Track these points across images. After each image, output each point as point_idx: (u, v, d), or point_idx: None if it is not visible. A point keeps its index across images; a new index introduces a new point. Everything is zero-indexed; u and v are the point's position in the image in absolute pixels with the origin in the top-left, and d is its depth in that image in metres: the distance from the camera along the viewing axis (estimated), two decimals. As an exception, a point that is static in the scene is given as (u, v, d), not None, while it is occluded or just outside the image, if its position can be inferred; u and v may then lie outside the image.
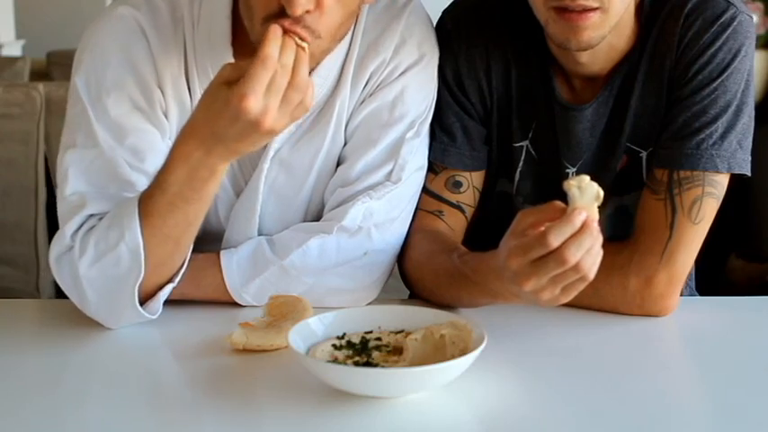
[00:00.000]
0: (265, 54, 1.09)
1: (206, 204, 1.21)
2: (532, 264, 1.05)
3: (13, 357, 1.21)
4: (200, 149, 1.15)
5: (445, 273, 1.30)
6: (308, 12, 1.16)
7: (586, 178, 1.05)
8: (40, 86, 2.33)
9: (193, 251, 1.28)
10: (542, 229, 1.05)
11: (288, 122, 1.13)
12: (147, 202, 1.19)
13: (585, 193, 1.04)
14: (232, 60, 1.30)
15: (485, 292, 1.22)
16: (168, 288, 1.25)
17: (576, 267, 1.04)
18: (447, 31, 1.42)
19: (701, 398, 1.12)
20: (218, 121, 1.12)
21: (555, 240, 1.03)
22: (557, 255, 1.03)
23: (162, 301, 1.25)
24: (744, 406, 1.05)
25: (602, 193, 1.04)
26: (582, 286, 1.07)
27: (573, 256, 1.03)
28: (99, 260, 1.21)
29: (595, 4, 1.21)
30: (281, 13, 1.17)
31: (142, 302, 1.23)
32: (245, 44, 1.27)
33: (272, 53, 1.10)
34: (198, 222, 1.22)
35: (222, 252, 1.32)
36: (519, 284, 1.07)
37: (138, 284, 1.20)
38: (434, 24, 1.44)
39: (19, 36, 6.10)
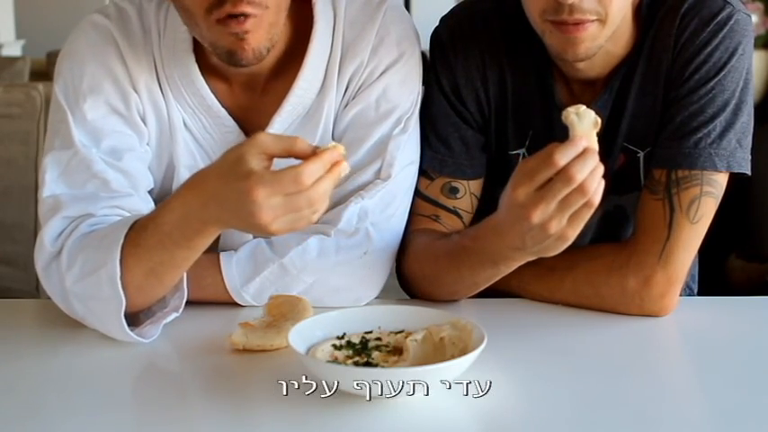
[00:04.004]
0: (307, 173, 1.04)
1: (194, 254, 1.17)
2: (539, 190, 1.06)
3: (12, 357, 1.21)
4: (198, 201, 1.11)
5: (445, 254, 1.30)
6: None
7: (583, 106, 1.06)
8: (40, 86, 2.32)
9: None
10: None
11: (286, 231, 1.07)
12: (139, 232, 1.17)
13: (584, 120, 1.06)
14: (197, 70, 1.33)
15: (485, 261, 1.22)
16: (170, 316, 1.22)
17: (581, 188, 1.04)
18: (442, 43, 1.42)
19: (700, 398, 1.12)
20: (226, 186, 1.07)
21: (561, 159, 1.04)
22: (562, 174, 1.04)
23: (159, 328, 1.22)
24: (744, 406, 1.05)
25: (599, 120, 1.06)
26: (587, 215, 1.07)
27: (578, 173, 1.04)
28: (83, 279, 1.20)
29: (593, 17, 1.22)
30: (219, 1, 1.19)
31: (137, 315, 1.22)
32: (207, 54, 1.30)
33: (312, 176, 1.04)
34: (185, 267, 1.20)
35: (222, 253, 1.32)
36: (527, 217, 1.07)
37: (122, 312, 1.18)
38: (430, 36, 1.43)
39: (19, 36, 6.11)
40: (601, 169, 1.05)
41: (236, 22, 1.21)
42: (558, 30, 1.23)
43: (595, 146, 1.06)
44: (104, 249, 1.18)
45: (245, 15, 1.20)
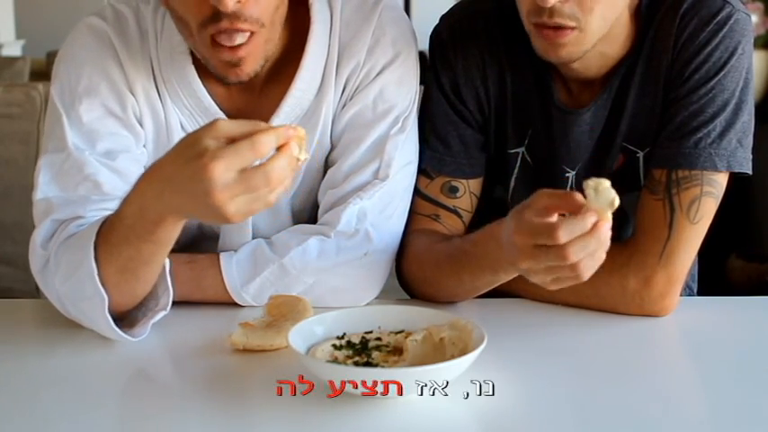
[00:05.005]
0: (262, 140, 0.99)
1: (161, 248, 1.13)
2: (535, 247, 1.06)
3: (12, 357, 1.21)
4: (153, 190, 1.07)
5: (446, 257, 1.30)
6: (239, 2, 1.18)
7: (605, 182, 1.04)
8: (40, 86, 2.32)
9: (194, 251, 1.28)
10: (554, 218, 1.05)
11: (242, 214, 1.02)
12: (108, 228, 1.15)
13: (600, 197, 1.03)
14: (194, 73, 1.33)
15: (485, 266, 1.22)
16: (158, 315, 1.20)
17: (573, 266, 1.04)
18: (442, 42, 1.42)
19: (700, 398, 1.12)
20: (180, 169, 1.02)
21: (564, 236, 1.03)
22: (559, 249, 1.03)
23: (148, 327, 1.21)
24: (744, 406, 1.05)
25: (617, 201, 1.03)
26: (573, 283, 1.08)
27: (575, 255, 1.03)
28: (68, 279, 1.19)
29: (572, 24, 1.22)
30: (215, 17, 1.19)
31: (125, 318, 1.22)
32: None
33: (267, 144, 1.00)
34: (156, 263, 1.16)
35: (222, 254, 1.32)
36: (515, 260, 1.08)
37: (105, 309, 1.17)
38: (430, 34, 1.43)
39: (19, 36, 6.11)
40: (604, 248, 1.04)
41: (229, 50, 1.21)
42: (540, 34, 1.24)
43: (608, 221, 1.03)
44: (80, 248, 1.17)
45: (241, 38, 1.20)
